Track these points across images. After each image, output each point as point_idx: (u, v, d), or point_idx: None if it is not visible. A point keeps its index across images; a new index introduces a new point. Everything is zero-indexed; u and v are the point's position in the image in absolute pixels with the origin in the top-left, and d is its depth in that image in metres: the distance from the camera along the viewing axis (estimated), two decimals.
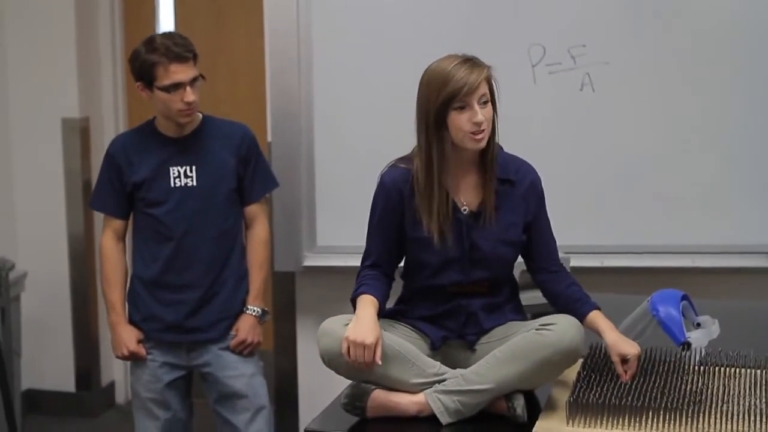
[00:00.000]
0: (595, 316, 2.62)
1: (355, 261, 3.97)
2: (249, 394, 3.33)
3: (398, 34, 3.86)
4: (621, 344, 2.55)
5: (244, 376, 3.33)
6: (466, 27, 3.75)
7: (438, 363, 2.58)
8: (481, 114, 2.51)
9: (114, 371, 4.83)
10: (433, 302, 2.67)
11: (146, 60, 3.12)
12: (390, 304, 2.73)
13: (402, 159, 2.68)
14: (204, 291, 3.27)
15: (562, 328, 2.49)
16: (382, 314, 2.67)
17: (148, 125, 3.32)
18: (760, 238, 3.88)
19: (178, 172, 3.23)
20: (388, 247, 2.69)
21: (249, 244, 3.37)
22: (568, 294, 2.68)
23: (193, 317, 3.28)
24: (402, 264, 2.75)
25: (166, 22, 4.72)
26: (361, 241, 4.12)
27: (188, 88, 3.14)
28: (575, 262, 3.69)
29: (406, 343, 2.57)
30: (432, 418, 2.51)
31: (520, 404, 2.50)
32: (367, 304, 2.59)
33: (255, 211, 3.36)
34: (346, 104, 3.95)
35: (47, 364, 4.72)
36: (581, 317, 2.59)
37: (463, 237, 2.61)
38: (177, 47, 3.12)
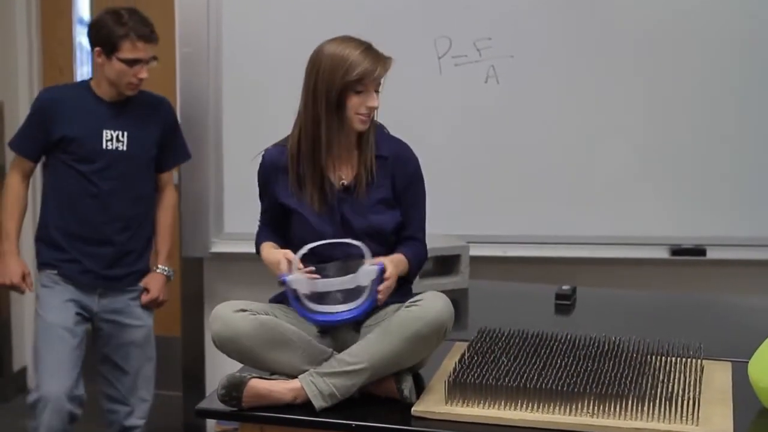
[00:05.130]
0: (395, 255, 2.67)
1: None
2: (145, 345, 3.64)
3: (306, 21, 3.88)
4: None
5: (145, 326, 3.64)
6: (373, 17, 3.78)
7: (330, 349, 2.59)
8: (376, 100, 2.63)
9: (26, 356, 4.80)
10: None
11: (114, 31, 3.37)
12: (275, 291, 2.75)
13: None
14: (120, 247, 3.53)
15: (428, 302, 2.53)
16: (270, 299, 2.71)
17: (82, 84, 3.57)
18: (662, 231, 3.95)
19: (111, 135, 3.47)
20: (276, 213, 2.77)
21: (160, 207, 3.65)
22: (399, 250, 2.72)
23: (108, 269, 3.53)
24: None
25: (82, 7, 4.70)
26: None
27: (144, 66, 3.40)
28: (479, 251, 3.75)
29: (297, 330, 2.57)
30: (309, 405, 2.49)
31: (408, 385, 2.53)
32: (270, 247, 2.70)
33: (167, 178, 3.69)
34: (255, 91, 3.97)
35: None
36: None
37: (334, 211, 2.66)
38: (146, 27, 3.43)
